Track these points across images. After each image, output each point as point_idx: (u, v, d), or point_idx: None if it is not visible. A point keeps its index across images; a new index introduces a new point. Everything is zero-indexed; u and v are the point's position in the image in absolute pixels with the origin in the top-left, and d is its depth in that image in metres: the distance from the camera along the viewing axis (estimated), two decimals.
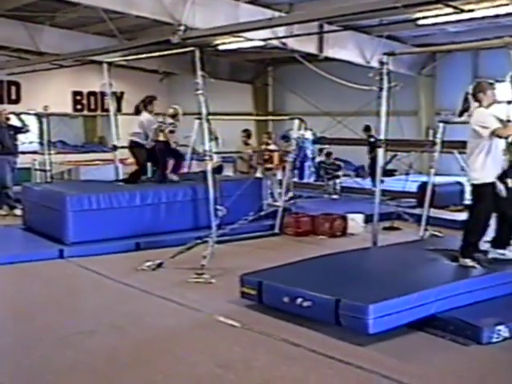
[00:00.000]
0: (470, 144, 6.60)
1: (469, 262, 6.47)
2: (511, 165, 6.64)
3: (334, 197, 13.81)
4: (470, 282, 6.06)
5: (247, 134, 13.30)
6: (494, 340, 5.17)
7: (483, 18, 13.92)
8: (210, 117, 8.32)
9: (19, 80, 21.95)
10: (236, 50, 18.81)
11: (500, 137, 6.38)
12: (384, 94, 8.08)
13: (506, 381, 4.61)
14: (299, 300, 5.56)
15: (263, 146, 13.52)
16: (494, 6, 12.77)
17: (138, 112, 10.49)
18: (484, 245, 6.80)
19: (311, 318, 5.56)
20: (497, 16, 13.71)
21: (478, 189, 6.53)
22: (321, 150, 13.40)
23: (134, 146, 10.56)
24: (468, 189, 7.20)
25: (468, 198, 6.97)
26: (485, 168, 6.42)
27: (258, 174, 13.06)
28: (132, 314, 6.15)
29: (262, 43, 16.22)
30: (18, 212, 11.17)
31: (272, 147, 13.43)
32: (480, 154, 6.43)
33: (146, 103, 10.45)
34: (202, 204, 9.05)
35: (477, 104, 6.55)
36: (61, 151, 17.52)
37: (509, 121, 6.86)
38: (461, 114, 6.74)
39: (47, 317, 6.04)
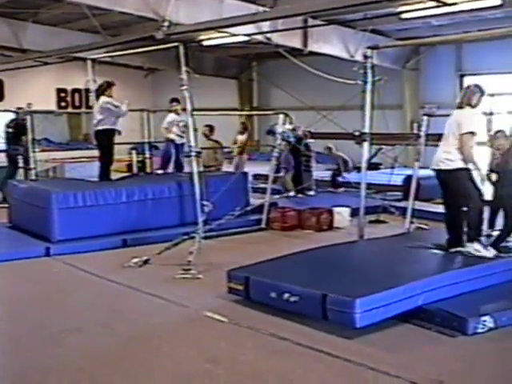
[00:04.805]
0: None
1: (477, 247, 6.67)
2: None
3: (310, 193, 13.42)
4: (455, 274, 6.11)
5: (210, 128, 13.44)
6: (480, 331, 5.22)
7: (466, 11, 14.01)
8: (195, 112, 8.30)
9: (2, 77, 21.80)
10: (220, 45, 18.77)
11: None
12: (368, 87, 8.10)
13: (492, 370, 4.65)
14: (286, 295, 5.57)
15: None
16: (476, 0, 12.83)
17: (97, 98, 10.41)
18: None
19: (298, 312, 5.57)
20: (480, 9, 13.79)
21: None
22: (293, 130, 13.06)
23: (101, 136, 10.38)
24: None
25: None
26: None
27: (225, 168, 13.24)
28: (119, 310, 6.15)
29: (246, 38, 16.21)
30: None
31: (240, 137, 13.93)
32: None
33: (105, 88, 10.39)
34: (189, 200, 9.00)
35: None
36: (45, 149, 17.44)
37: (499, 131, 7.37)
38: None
39: (34, 315, 6.02)
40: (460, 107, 6.96)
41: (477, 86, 7.08)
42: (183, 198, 9.70)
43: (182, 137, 11.79)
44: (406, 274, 6.07)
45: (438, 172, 7.00)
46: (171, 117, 12.15)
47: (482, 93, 6.98)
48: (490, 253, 6.70)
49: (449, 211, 7.10)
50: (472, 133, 6.72)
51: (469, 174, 6.77)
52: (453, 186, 6.92)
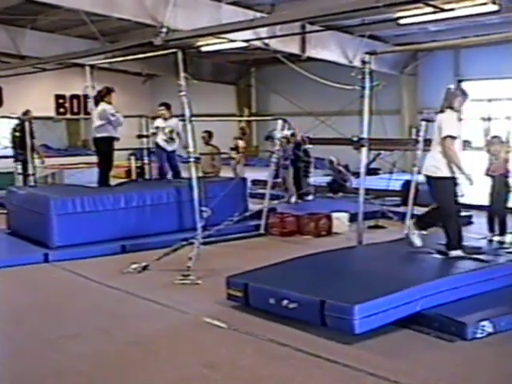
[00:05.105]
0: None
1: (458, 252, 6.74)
2: None
3: (309, 198, 13.40)
4: (454, 279, 6.11)
5: (208, 134, 13.52)
6: (479, 336, 5.22)
7: (464, 16, 14.05)
8: (193, 118, 8.31)
9: (1, 84, 21.82)
10: (219, 51, 18.82)
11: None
12: (366, 93, 8.12)
13: (491, 375, 4.64)
14: (285, 302, 5.56)
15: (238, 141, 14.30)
16: (474, 5, 12.87)
17: (96, 104, 10.47)
18: None
19: (297, 319, 5.57)
20: (477, 15, 13.84)
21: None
22: (292, 135, 13.02)
23: (100, 143, 10.44)
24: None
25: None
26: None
27: (222, 174, 13.31)
28: (118, 316, 6.14)
29: (244, 44, 16.24)
30: None
31: (240, 142, 14.18)
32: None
33: (104, 94, 10.44)
34: (187, 206, 9.01)
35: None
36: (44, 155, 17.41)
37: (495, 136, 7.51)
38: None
39: (33, 321, 6.02)
40: (442, 111, 6.91)
41: (459, 88, 7.08)
42: (182, 204, 9.71)
43: (168, 142, 11.72)
44: (405, 279, 6.07)
45: (427, 177, 7.01)
46: (157, 122, 12.07)
47: (465, 96, 6.89)
48: (419, 241, 7.12)
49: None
50: (451, 136, 6.67)
51: (452, 183, 6.79)
52: (435, 193, 6.94)
